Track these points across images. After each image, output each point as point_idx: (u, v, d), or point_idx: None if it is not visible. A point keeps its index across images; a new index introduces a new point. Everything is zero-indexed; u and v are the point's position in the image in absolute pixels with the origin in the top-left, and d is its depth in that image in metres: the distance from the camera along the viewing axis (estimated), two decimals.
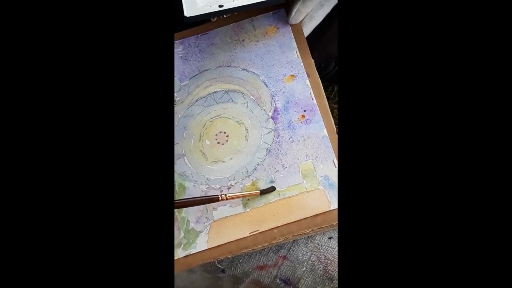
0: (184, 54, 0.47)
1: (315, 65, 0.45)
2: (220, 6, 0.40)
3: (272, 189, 0.41)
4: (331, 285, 0.41)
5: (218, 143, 0.44)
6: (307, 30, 0.47)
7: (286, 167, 0.42)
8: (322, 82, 0.45)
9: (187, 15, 0.39)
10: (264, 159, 0.43)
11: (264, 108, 0.44)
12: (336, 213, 0.40)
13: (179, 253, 0.40)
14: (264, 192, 0.41)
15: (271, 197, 0.41)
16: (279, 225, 0.40)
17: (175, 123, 0.45)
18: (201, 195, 0.42)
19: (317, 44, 0.64)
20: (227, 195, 0.39)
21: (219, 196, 0.39)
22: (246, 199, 0.41)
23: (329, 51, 0.67)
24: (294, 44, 0.46)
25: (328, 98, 0.79)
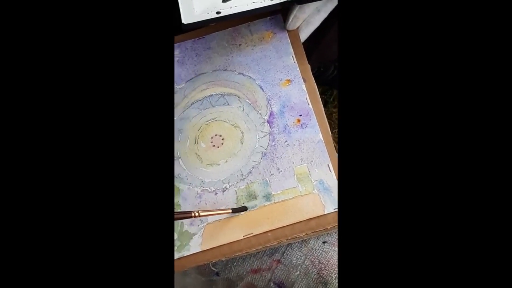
0: (180, 58, 0.48)
1: (314, 69, 0.45)
2: (218, 12, 0.40)
3: (244, 208, 0.41)
4: None
5: (214, 146, 0.44)
6: (304, 35, 0.47)
7: (281, 171, 0.42)
8: (321, 86, 0.45)
9: (185, 22, 0.39)
10: (259, 162, 0.43)
11: (260, 112, 0.44)
12: (330, 217, 0.40)
13: None
14: (235, 211, 0.40)
15: (265, 200, 0.41)
16: (273, 228, 0.40)
17: None
18: (195, 197, 0.42)
19: (316, 48, 0.64)
20: (200, 212, 0.38)
21: (193, 212, 0.37)
22: (241, 202, 0.41)
23: (328, 55, 0.67)
24: (291, 49, 0.46)
25: (327, 102, 0.80)
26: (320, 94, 0.80)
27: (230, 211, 0.40)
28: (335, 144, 0.81)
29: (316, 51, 0.65)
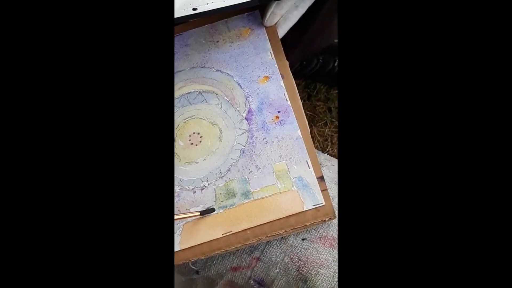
0: None
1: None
2: (194, 9, 0.39)
3: (212, 210, 0.41)
4: (305, 286, 0.41)
5: (192, 144, 0.44)
6: (282, 31, 0.47)
7: (260, 168, 0.42)
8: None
9: None
10: (238, 160, 0.43)
11: (238, 109, 0.44)
12: (309, 214, 0.40)
13: None
14: (204, 213, 0.41)
15: (244, 198, 0.41)
16: (252, 226, 0.40)
17: None
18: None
19: (298, 42, 0.64)
20: None
21: None
22: (220, 200, 0.41)
23: (311, 49, 0.67)
24: (269, 46, 0.46)
25: (310, 96, 0.80)
26: (304, 87, 0.80)
27: (199, 214, 0.40)
28: (319, 138, 0.82)
29: (299, 46, 0.65)
